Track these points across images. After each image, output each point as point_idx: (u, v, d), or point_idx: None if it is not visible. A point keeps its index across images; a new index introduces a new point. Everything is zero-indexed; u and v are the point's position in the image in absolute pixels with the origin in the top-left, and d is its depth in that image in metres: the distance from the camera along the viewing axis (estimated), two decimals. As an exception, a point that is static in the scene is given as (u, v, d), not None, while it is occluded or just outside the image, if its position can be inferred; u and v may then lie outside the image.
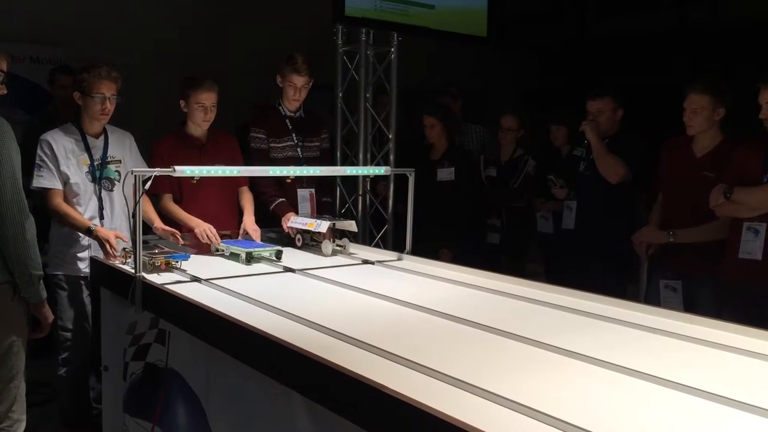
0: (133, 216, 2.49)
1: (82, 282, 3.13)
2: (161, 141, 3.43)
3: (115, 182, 3.17)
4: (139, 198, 2.46)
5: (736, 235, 2.91)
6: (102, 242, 2.91)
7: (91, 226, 2.98)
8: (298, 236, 3.34)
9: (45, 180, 3.03)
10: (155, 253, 2.67)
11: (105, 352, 2.90)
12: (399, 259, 3.14)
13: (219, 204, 3.46)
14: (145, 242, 2.64)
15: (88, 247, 3.10)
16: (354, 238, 4.25)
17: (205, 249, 3.20)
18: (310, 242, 3.31)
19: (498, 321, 2.02)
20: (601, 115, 3.79)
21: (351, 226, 3.24)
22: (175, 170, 2.56)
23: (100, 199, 3.13)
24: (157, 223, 3.20)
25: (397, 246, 3.64)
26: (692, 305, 3.14)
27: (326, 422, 1.64)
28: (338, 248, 3.21)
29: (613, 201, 3.73)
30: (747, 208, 2.87)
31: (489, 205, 4.59)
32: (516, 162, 4.54)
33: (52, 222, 3.15)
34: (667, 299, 3.25)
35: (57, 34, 5.36)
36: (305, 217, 3.43)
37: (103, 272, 2.85)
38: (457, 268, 2.89)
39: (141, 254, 2.48)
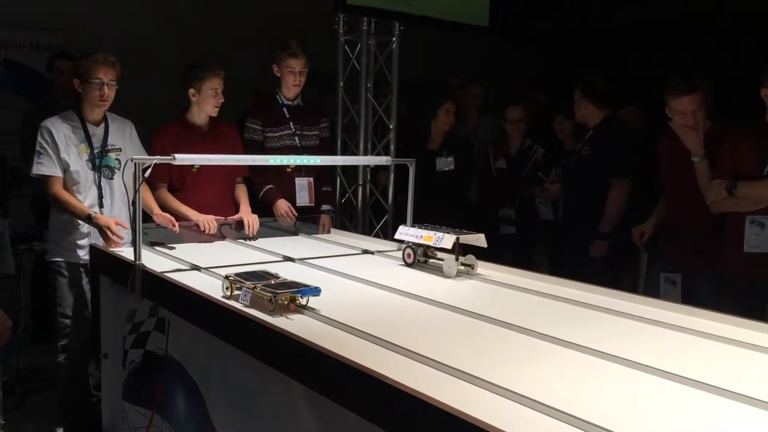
0: (133, 204, 2.49)
1: (82, 269, 3.13)
2: (163, 129, 3.40)
3: (115, 170, 3.14)
4: (139, 186, 2.45)
5: (737, 229, 2.89)
6: (102, 229, 2.90)
7: (91, 213, 2.97)
8: (408, 251, 2.72)
9: (45, 167, 3.02)
10: (273, 286, 2.00)
11: (104, 339, 2.91)
12: (399, 249, 3.13)
13: (219, 192, 3.46)
14: (145, 233, 2.62)
15: (88, 234, 3.09)
16: (354, 228, 4.28)
17: (205, 238, 3.21)
18: (422, 258, 2.71)
19: (497, 311, 2.02)
20: (575, 106, 3.84)
21: (479, 240, 2.61)
22: (175, 158, 2.54)
23: (99, 188, 3.11)
24: (157, 211, 3.19)
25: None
26: (691, 298, 3.14)
27: (326, 411, 1.64)
28: (464, 268, 2.59)
29: (595, 193, 3.74)
30: (751, 203, 2.85)
31: (500, 197, 4.58)
32: (525, 153, 4.53)
33: (51, 209, 3.14)
34: (667, 292, 3.26)
35: (56, 21, 5.33)
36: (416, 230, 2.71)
37: (102, 260, 2.85)
38: (457, 258, 2.89)
39: (141, 242, 2.47)
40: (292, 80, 3.64)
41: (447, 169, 4.28)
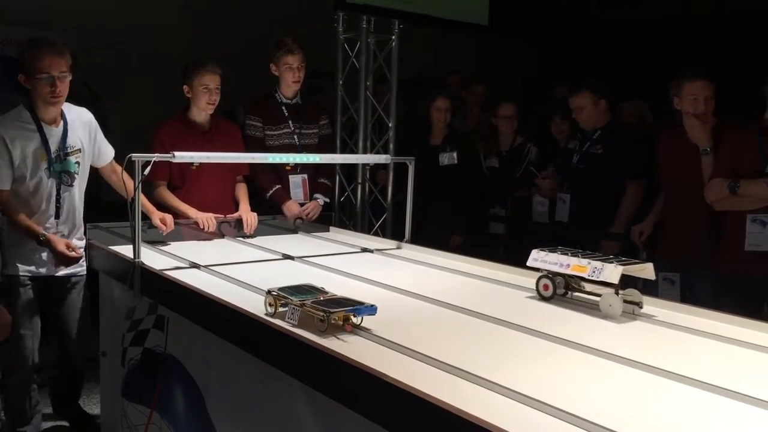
0: (132, 202, 2.47)
1: (39, 281, 2.84)
2: (164, 126, 3.39)
3: (75, 176, 2.83)
4: (138, 184, 2.45)
5: (738, 228, 2.90)
6: (55, 252, 2.68)
7: (40, 236, 2.68)
8: (545, 281, 2.20)
9: None
10: (323, 303, 1.80)
11: (103, 337, 2.91)
12: (398, 247, 3.14)
13: (219, 191, 3.46)
14: (144, 231, 2.60)
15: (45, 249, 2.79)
16: (353, 226, 4.28)
17: (204, 236, 3.21)
18: (561, 290, 2.21)
19: (495, 310, 2.02)
20: (583, 111, 3.79)
21: (646, 270, 2.10)
22: (174, 156, 2.54)
23: (57, 197, 2.77)
24: (155, 215, 3.05)
25: (397, 235, 3.64)
26: (690, 297, 3.15)
27: (324, 408, 1.65)
28: (629, 305, 2.05)
29: (608, 193, 3.73)
30: (754, 201, 2.85)
31: (493, 195, 4.58)
32: (518, 151, 4.52)
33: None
34: (665, 291, 3.26)
35: (55, 18, 5.32)
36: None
37: (101, 258, 2.84)
38: (456, 257, 2.89)
39: (140, 239, 2.47)
40: (291, 77, 3.64)
41: (450, 163, 4.28)
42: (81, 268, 2.94)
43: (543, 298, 2.22)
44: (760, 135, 2.89)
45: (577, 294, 2.21)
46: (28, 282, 2.81)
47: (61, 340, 3.01)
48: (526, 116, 4.70)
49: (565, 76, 5.45)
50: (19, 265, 2.79)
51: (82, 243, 2.94)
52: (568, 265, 2.13)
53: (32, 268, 2.82)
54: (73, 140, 2.82)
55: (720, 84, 3.32)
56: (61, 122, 2.80)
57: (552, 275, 2.19)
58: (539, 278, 2.23)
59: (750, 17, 6.34)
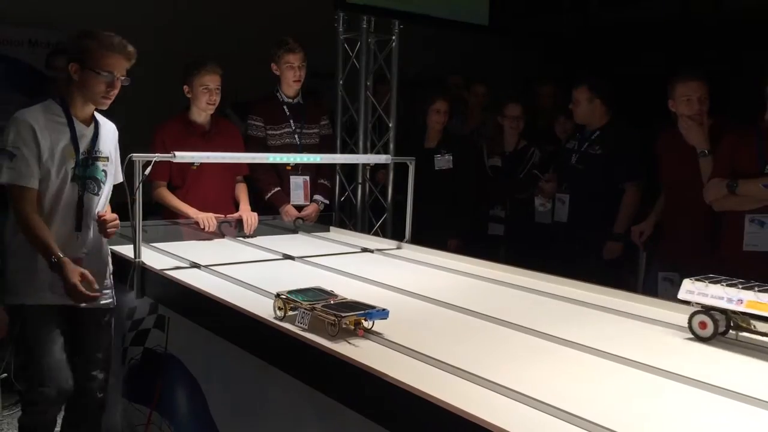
0: (133, 202, 2.47)
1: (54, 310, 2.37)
2: (164, 126, 3.40)
3: (102, 185, 2.45)
4: (139, 183, 2.45)
5: (736, 228, 2.90)
6: (64, 282, 2.19)
7: (53, 258, 2.20)
8: (702, 318, 1.85)
9: (18, 174, 2.24)
10: (334, 307, 1.78)
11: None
12: (398, 247, 3.14)
13: (219, 191, 3.47)
14: (144, 231, 2.60)
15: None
16: (353, 226, 4.28)
17: (204, 235, 3.21)
18: (723, 328, 1.84)
19: (496, 310, 2.03)
20: (578, 105, 3.80)
21: None
22: (175, 156, 2.55)
23: (79, 206, 2.38)
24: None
25: (397, 235, 3.65)
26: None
27: (326, 408, 1.65)
28: None
29: (607, 193, 3.73)
30: (752, 201, 2.86)
31: (493, 196, 4.57)
32: (522, 153, 4.51)
33: (13, 233, 2.34)
34: (665, 291, 3.26)
35: (56, 17, 5.32)
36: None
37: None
38: (457, 257, 2.90)
39: (140, 239, 2.47)
40: (291, 76, 3.64)
41: (445, 167, 4.27)
42: (107, 301, 2.51)
43: (698, 338, 1.85)
44: (759, 135, 2.89)
45: (744, 334, 1.83)
46: (43, 311, 2.35)
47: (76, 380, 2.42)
48: (527, 116, 4.69)
49: (548, 75, 5.43)
50: (28, 295, 2.34)
51: (108, 274, 2.52)
52: (741, 300, 1.76)
53: (47, 296, 2.33)
54: (103, 146, 2.48)
55: (720, 84, 3.33)
56: (93, 123, 2.46)
57: (709, 311, 1.83)
58: (693, 314, 1.87)
59: (750, 17, 6.34)
